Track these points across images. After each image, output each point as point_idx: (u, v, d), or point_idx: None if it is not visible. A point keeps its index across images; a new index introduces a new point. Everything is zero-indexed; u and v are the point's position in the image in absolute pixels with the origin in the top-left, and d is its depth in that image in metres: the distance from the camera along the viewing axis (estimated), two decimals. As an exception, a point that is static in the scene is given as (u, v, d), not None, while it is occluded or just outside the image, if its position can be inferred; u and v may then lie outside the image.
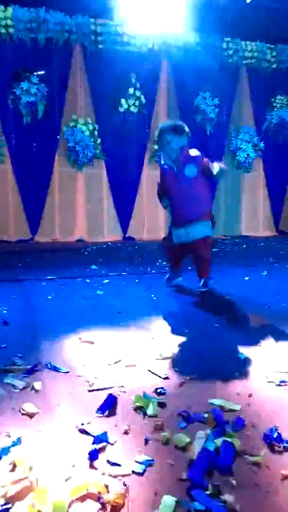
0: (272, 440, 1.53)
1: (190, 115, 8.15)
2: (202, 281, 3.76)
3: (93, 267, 5.12)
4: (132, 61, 7.62)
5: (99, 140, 7.59)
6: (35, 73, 7.05)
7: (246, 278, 4.49)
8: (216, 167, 3.62)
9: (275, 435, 1.55)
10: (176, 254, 3.97)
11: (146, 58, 7.73)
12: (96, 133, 7.58)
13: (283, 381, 2.01)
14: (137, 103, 7.63)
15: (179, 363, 2.25)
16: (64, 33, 7.17)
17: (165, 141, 3.75)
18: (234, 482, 1.32)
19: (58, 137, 7.41)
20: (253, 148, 8.57)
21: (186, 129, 3.77)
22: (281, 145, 8.90)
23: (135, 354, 2.35)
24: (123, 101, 7.52)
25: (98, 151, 7.59)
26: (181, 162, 3.72)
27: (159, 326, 2.90)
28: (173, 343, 2.53)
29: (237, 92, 8.56)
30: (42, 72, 7.11)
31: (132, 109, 7.60)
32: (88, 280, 4.37)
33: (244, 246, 7.30)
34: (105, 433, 1.56)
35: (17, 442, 1.50)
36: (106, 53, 7.48)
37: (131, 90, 7.54)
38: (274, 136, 8.81)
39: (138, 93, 7.61)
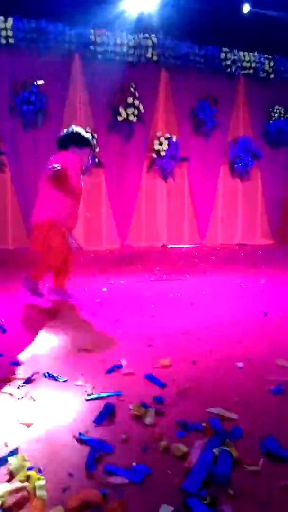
0: (270, 450, 1.53)
1: (189, 124, 8.23)
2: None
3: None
4: (131, 71, 7.69)
5: (98, 149, 7.63)
6: (35, 83, 7.10)
7: (244, 286, 4.50)
8: None
9: (273, 444, 1.55)
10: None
11: (145, 67, 7.80)
12: (95, 141, 7.62)
13: (281, 390, 2.02)
14: (136, 112, 7.68)
15: (177, 371, 2.25)
16: (64, 43, 7.24)
17: None
18: (231, 492, 1.32)
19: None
20: (251, 157, 8.63)
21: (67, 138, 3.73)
22: (278, 154, 8.96)
23: (133, 362, 2.35)
24: (122, 110, 7.58)
25: (97, 160, 7.63)
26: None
27: (157, 334, 2.91)
28: (171, 351, 2.54)
29: (235, 101, 8.64)
30: (42, 82, 7.16)
31: (131, 118, 7.65)
32: (86, 288, 4.37)
33: (242, 254, 7.32)
34: (103, 442, 1.56)
35: (15, 452, 1.50)
36: (105, 62, 7.54)
37: (130, 100, 7.60)
38: (272, 145, 8.88)
39: (136, 102, 7.67)
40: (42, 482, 1.33)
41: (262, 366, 2.33)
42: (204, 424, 1.69)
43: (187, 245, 8.24)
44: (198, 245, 8.41)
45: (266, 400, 1.95)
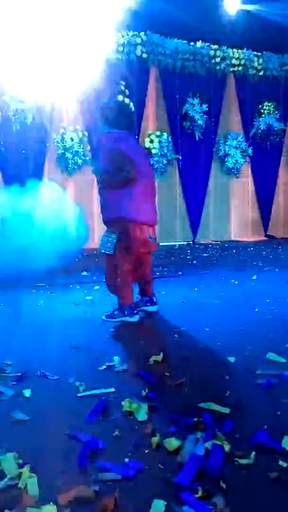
0: (261, 443, 1.53)
1: (179, 121, 8.23)
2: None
3: (84, 273, 5.11)
4: (121, 68, 7.67)
5: (88, 147, 7.61)
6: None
7: (236, 282, 4.52)
8: None
9: (264, 437, 1.56)
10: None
11: (135, 65, 7.79)
12: (85, 139, 7.60)
13: (271, 384, 2.03)
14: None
15: (169, 367, 2.25)
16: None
17: None
18: (223, 485, 1.33)
19: (47, 144, 7.41)
20: (241, 154, 8.66)
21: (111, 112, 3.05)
22: (269, 151, 9.00)
23: (125, 359, 2.35)
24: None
25: (88, 158, 7.60)
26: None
27: (149, 331, 2.91)
28: (163, 347, 2.54)
29: (225, 99, 8.66)
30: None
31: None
32: (78, 286, 4.36)
33: (233, 250, 7.34)
34: (95, 439, 1.56)
35: (6, 449, 1.49)
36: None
37: (120, 97, 7.57)
38: (262, 141, 8.91)
39: (127, 100, 7.65)
40: (34, 479, 1.32)
41: (253, 360, 2.34)
42: (196, 419, 1.69)
43: (179, 242, 8.26)
44: (190, 242, 8.42)
45: (257, 394, 1.96)
